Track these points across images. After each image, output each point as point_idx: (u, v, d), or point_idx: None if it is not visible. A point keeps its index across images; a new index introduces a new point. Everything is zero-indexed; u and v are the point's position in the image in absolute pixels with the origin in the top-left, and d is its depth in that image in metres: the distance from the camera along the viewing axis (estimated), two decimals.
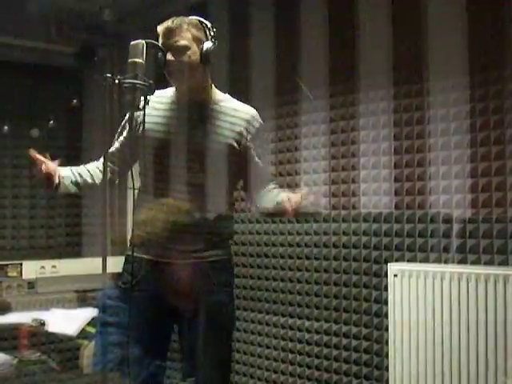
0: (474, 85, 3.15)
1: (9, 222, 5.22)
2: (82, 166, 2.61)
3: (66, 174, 2.50)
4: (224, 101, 2.54)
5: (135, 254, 2.48)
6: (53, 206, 5.42)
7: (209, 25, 2.51)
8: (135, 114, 2.39)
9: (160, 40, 2.43)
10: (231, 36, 4.21)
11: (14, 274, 4.63)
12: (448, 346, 3.06)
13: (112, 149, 2.60)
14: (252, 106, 2.58)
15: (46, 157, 2.45)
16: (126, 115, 2.55)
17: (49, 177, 2.43)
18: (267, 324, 4.13)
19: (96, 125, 4.71)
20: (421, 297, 3.18)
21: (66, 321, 4.11)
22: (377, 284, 3.54)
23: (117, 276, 2.55)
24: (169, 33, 2.42)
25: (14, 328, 4.29)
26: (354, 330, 3.64)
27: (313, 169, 3.88)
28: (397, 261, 3.43)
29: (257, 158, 2.52)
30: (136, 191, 2.53)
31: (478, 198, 3.13)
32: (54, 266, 4.74)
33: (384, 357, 3.47)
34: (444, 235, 3.26)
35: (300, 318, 3.93)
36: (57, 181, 2.44)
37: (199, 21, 2.50)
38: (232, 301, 2.65)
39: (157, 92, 2.39)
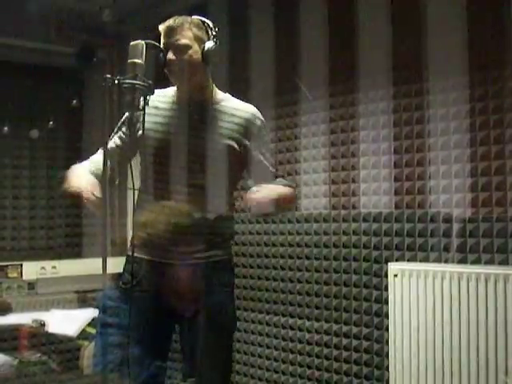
0: (474, 84, 3.15)
1: (9, 222, 5.22)
2: (94, 165, 2.53)
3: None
4: (225, 100, 2.53)
5: (136, 254, 2.48)
6: (53, 207, 5.42)
7: (210, 24, 2.51)
8: (135, 114, 2.39)
9: (161, 39, 2.43)
10: (231, 36, 4.21)
11: (15, 274, 4.63)
12: (448, 346, 3.07)
13: (110, 145, 2.57)
14: (251, 105, 2.58)
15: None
16: (123, 114, 2.54)
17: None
18: (267, 324, 4.13)
19: (96, 125, 4.71)
20: (421, 296, 3.18)
21: (66, 321, 4.11)
22: (377, 284, 3.54)
23: (117, 276, 2.54)
24: (170, 31, 2.41)
25: (15, 329, 4.29)
26: (355, 329, 3.64)
27: (313, 169, 3.88)
28: (397, 260, 3.43)
29: (259, 157, 2.51)
30: (136, 191, 2.52)
31: (477, 197, 3.14)
32: (54, 267, 4.74)
33: (384, 356, 3.47)
34: (444, 235, 3.26)
35: (300, 318, 3.93)
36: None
37: (201, 20, 2.50)
38: (232, 301, 2.64)
39: (157, 91, 2.39)
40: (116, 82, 2.16)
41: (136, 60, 2.21)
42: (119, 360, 2.39)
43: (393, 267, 3.32)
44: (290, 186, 2.53)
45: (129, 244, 2.38)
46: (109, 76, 2.14)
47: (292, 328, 3.98)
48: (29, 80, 5.10)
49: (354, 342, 3.64)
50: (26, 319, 4.14)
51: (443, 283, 3.11)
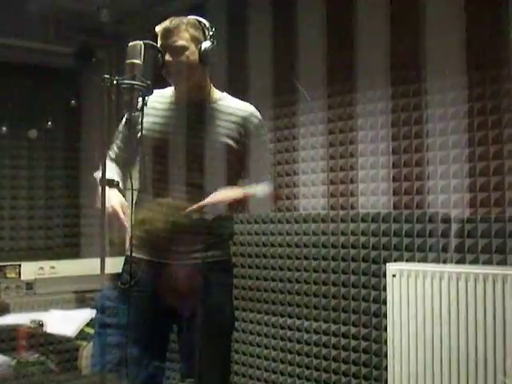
0: (472, 84, 3.15)
1: (7, 222, 5.22)
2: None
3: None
4: (222, 99, 2.54)
5: (134, 254, 2.47)
6: (51, 207, 5.42)
7: (207, 24, 2.51)
8: (133, 115, 2.39)
9: (158, 40, 2.43)
10: (229, 36, 4.21)
11: (13, 275, 4.62)
12: (447, 346, 3.07)
13: (114, 150, 2.59)
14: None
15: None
16: (123, 117, 2.55)
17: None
18: (266, 324, 4.13)
19: (94, 126, 4.71)
20: (419, 297, 3.18)
21: (65, 322, 4.11)
22: (375, 284, 3.54)
23: (116, 277, 2.54)
24: (167, 33, 2.42)
25: (13, 329, 4.29)
26: (353, 330, 3.64)
27: (311, 169, 3.88)
28: (395, 261, 3.43)
29: (254, 157, 2.51)
30: (135, 192, 2.52)
31: (476, 197, 3.14)
32: (52, 267, 4.74)
33: (383, 357, 3.47)
34: (442, 235, 3.27)
35: (299, 319, 3.93)
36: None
37: (197, 20, 2.50)
38: (231, 302, 2.64)
39: (156, 92, 2.39)
40: (114, 82, 2.16)
41: (134, 60, 2.21)
42: (117, 360, 2.39)
43: (391, 267, 3.32)
44: (268, 190, 2.54)
45: (127, 244, 2.37)
46: (107, 76, 2.14)
47: (290, 328, 3.98)
48: (27, 80, 5.10)
49: (353, 343, 3.64)
50: (25, 319, 4.13)
51: (441, 283, 3.11)
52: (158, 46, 2.42)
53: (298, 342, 3.93)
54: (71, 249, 5.46)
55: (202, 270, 2.43)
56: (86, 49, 4.88)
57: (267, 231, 4.14)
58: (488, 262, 3.09)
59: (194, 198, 2.41)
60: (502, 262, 3.05)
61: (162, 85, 2.51)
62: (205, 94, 2.52)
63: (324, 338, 3.78)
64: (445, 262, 3.25)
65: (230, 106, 2.52)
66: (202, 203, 2.32)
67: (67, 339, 4.19)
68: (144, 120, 2.36)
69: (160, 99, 2.52)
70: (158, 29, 2.45)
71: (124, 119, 2.58)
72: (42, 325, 4.06)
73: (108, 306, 2.51)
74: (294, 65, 3.91)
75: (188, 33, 2.43)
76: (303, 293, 3.90)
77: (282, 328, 4.03)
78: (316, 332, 3.83)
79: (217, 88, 2.57)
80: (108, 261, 2.13)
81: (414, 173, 3.38)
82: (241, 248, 4.25)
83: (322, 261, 3.80)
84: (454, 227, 3.22)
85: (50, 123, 5.33)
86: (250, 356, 4.22)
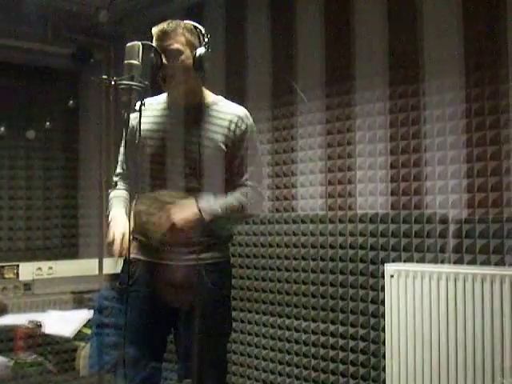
0: (470, 85, 3.16)
1: (5, 223, 5.22)
2: (123, 204, 2.57)
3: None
4: (215, 103, 2.53)
5: (133, 255, 2.48)
6: (49, 208, 5.42)
7: (203, 30, 2.51)
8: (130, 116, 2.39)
9: (154, 42, 2.43)
10: (227, 37, 4.22)
11: (11, 275, 4.62)
12: (445, 347, 3.07)
13: (120, 166, 2.61)
14: (248, 107, 2.57)
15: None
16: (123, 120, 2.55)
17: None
18: (264, 325, 4.13)
19: (92, 126, 4.71)
20: (417, 297, 3.18)
21: (63, 322, 4.10)
22: (373, 284, 3.55)
23: (113, 277, 2.54)
24: (163, 35, 2.41)
25: (11, 330, 4.29)
26: (351, 330, 3.64)
27: (309, 169, 3.88)
28: (393, 261, 3.43)
29: (236, 161, 2.49)
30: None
31: (474, 198, 3.14)
32: (50, 268, 4.74)
33: (381, 357, 3.47)
34: (440, 235, 3.27)
35: (297, 319, 3.93)
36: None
37: (194, 26, 2.50)
38: (228, 303, 2.63)
39: (148, 99, 2.40)
40: (112, 83, 2.16)
41: (132, 61, 2.21)
42: (115, 361, 2.39)
43: (389, 268, 3.32)
44: (246, 194, 2.50)
45: (125, 244, 2.37)
46: (105, 77, 2.15)
47: (288, 329, 3.98)
48: (25, 81, 5.11)
49: (351, 343, 3.64)
50: (22, 320, 4.13)
51: (439, 284, 3.11)
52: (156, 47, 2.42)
53: (296, 342, 3.93)
54: (69, 249, 5.46)
55: (200, 271, 2.43)
56: (84, 50, 4.89)
57: (265, 232, 4.14)
58: (486, 263, 3.09)
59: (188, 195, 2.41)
60: (500, 263, 3.05)
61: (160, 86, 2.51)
62: (198, 99, 2.51)
63: (322, 339, 3.78)
64: (443, 262, 3.25)
65: (222, 110, 2.50)
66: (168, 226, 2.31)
67: (65, 340, 4.18)
68: (136, 127, 2.36)
69: (153, 106, 2.53)
70: (155, 30, 2.44)
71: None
72: (39, 325, 4.05)
73: (105, 306, 2.51)
74: (292, 65, 3.92)
75: (184, 37, 2.44)
76: (301, 293, 3.90)
77: (280, 328, 4.03)
78: (314, 332, 3.83)
79: (212, 91, 2.57)
80: (106, 261, 2.14)
81: (411, 173, 3.38)
82: (239, 248, 4.25)
83: (320, 261, 3.80)
84: (452, 228, 3.22)
85: (48, 124, 5.33)
86: (248, 356, 4.22)
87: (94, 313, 2.61)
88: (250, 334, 4.21)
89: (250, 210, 2.51)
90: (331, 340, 3.74)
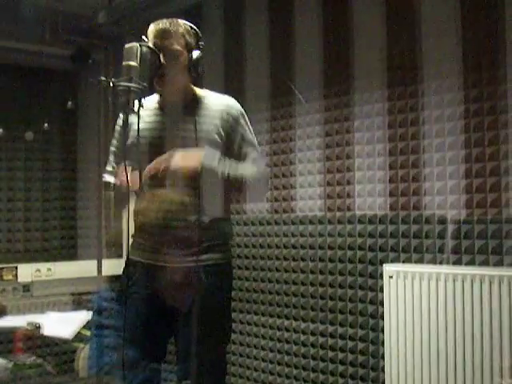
0: (468, 86, 3.16)
1: (4, 224, 5.22)
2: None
3: None
4: (203, 97, 2.53)
5: (134, 257, 2.49)
6: (48, 209, 5.42)
7: (199, 33, 2.51)
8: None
9: (152, 39, 2.40)
10: (225, 38, 4.22)
11: (10, 277, 4.62)
12: (443, 347, 3.07)
13: (112, 165, 2.59)
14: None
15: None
16: (117, 122, 2.55)
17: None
18: (263, 326, 4.13)
19: (91, 127, 4.71)
20: (416, 298, 3.18)
21: (62, 324, 4.10)
22: (372, 285, 3.55)
23: (112, 279, 2.55)
24: (164, 34, 2.40)
25: (10, 331, 4.28)
26: (350, 331, 3.64)
27: (308, 170, 3.88)
28: (392, 262, 3.43)
29: (236, 148, 2.50)
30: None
31: (472, 198, 3.14)
32: (49, 269, 4.73)
33: (380, 358, 3.47)
34: (439, 236, 3.27)
35: (296, 320, 3.93)
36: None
37: (191, 27, 2.50)
38: (229, 305, 2.62)
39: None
40: (111, 84, 2.16)
41: (131, 62, 2.21)
42: (114, 362, 2.39)
43: (388, 269, 3.32)
44: (253, 167, 2.50)
45: (124, 245, 2.37)
46: (104, 78, 2.15)
47: (287, 330, 3.98)
48: (24, 82, 5.11)
49: (350, 344, 3.64)
50: (21, 322, 4.12)
51: (438, 284, 3.11)
52: (151, 44, 2.39)
53: (295, 343, 3.93)
54: (68, 251, 5.46)
55: (200, 273, 2.43)
56: (83, 51, 4.89)
57: (264, 233, 4.14)
58: (484, 263, 3.09)
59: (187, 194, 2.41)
60: (499, 263, 3.05)
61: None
62: (188, 96, 2.51)
63: (321, 340, 3.79)
64: (441, 263, 3.25)
65: (211, 102, 2.51)
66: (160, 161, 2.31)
67: (64, 341, 4.18)
68: (132, 129, 2.36)
69: (145, 107, 2.52)
70: (155, 28, 2.43)
71: (116, 129, 2.58)
72: (38, 327, 4.05)
73: (105, 308, 2.51)
74: (290, 66, 3.91)
75: (184, 38, 2.44)
76: (300, 294, 3.90)
77: (279, 329, 4.03)
78: (313, 333, 3.83)
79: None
80: (105, 263, 2.14)
81: (410, 174, 3.38)
82: (238, 249, 4.25)
83: (319, 262, 3.80)
84: (451, 228, 3.22)
85: (46, 125, 5.33)
86: (247, 357, 4.22)
87: (94, 314, 2.61)
88: (248, 334, 4.21)
89: (254, 188, 2.53)
90: (330, 341, 3.74)
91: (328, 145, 3.78)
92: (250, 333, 4.21)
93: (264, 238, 4.14)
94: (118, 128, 2.60)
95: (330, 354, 3.73)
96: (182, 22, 2.48)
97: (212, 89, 2.59)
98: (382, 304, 3.38)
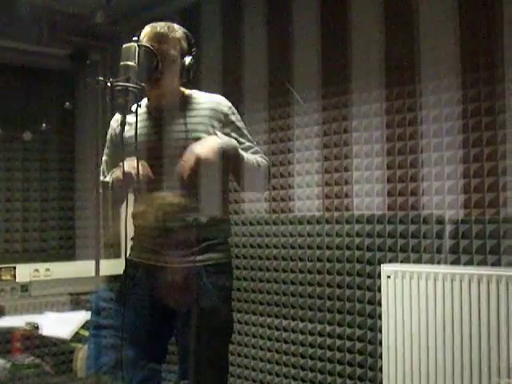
0: (467, 86, 3.16)
1: (2, 225, 5.21)
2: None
3: None
4: (193, 98, 2.53)
5: (133, 258, 2.49)
6: (46, 209, 5.41)
7: (192, 39, 2.51)
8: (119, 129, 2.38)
9: (147, 42, 2.38)
10: (223, 38, 4.22)
11: (8, 277, 4.61)
12: (441, 347, 3.07)
13: (105, 173, 2.58)
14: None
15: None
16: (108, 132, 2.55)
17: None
18: (261, 325, 4.13)
19: (89, 127, 4.71)
20: (414, 298, 3.19)
21: (60, 324, 4.10)
22: (370, 285, 3.55)
23: (111, 279, 2.55)
24: (161, 38, 2.40)
25: (8, 332, 4.28)
26: (348, 331, 3.65)
27: (306, 170, 3.89)
28: (390, 262, 3.44)
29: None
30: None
31: (470, 198, 3.14)
32: (47, 269, 4.73)
33: (378, 357, 3.48)
34: (437, 236, 3.27)
35: (294, 320, 3.93)
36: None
37: (185, 33, 2.50)
38: (229, 305, 2.61)
39: None
40: (109, 84, 2.16)
41: (129, 62, 2.21)
42: (113, 362, 2.39)
43: (386, 268, 3.32)
44: (260, 157, 2.51)
45: (122, 245, 2.37)
46: (101, 78, 2.14)
47: (286, 330, 3.98)
48: (21, 82, 5.10)
49: (348, 343, 3.65)
50: (20, 322, 4.12)
51: (436, 284, 3.11)
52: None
53: (294, 343, 3.93)
54: (66, 251, 5.45)
55: (199, 273, 2.43)
56: (81, 51, 4.89)
57: (262, 233, 4.14)
58: (482, 263, 3.10)
59: (185, 195, 2.40)
60: (496, 263, 3.06)
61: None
62: (178, 97, 2.51)
63: (319, 339, 3.79)
64: (439, 263, 3.25)
65: (200, 101, 2.51)
66: (185, 164, 2.28)
67: (62, 341, 4.17)
68: (124, 135, 2.35)
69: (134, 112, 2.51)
70: (151, 30, 2.42)
71: (109, 132, 2.58)
72: (37, 327, 4.04)
73: (104, 307, 2.51)
74: (288, 66, 3.91)
75: (180, 44, 2.44)
76: (298, 294, 3.91)
77: (278, 329, 4.03)
78: (311, 333, 3.83)
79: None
80: (103, 263, 2.14)
81: (408, 174, 3.39)
82: (236, 249, 4.25)
83: (317, 262, 3.80)
84: (449, 228, 3.22)
85: (44, 125, 5.32)
86: (246, 357, 4.22)
87: (92, 314, 2.61)
88: (247, 334, 4.22)
89: (261, 176, 2.53)
90: (328, 340, 3.74)
91: (326, 145, 3.79)
92: (248, 333, 4.21)
93: (262, 237, 4.14)
94: (109, 137, 2.60)
95: (328, 353, 3.73)
96: (177, 26, 2.48)
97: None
98: (379, 304, 3.39)
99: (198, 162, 2.27)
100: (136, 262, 2.51)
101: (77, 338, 4.02)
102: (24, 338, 4.29)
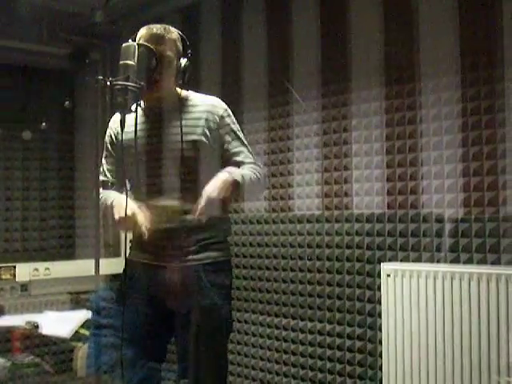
0: (466, 84, 3.16)
1: (1, 224, 5.21)
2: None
3: None
4: (188, 99, 2.53)
5: (133, 258, 2.49)
6: (46, 208, 5.41)
7: (187, 42, 2.52)
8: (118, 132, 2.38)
9: (143, 42, 2.39)
10: (222, 37, 4.22)
11: (8, 276, 4.61)
12: (441, 346, 3.07)
13: (105, 174, 2.57)
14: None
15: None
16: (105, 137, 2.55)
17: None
18: (261, 324, 4.13)
19: (88, 126, 4.71)
20: (414, 296, 3.19)
21: (60, 323, 4.10)
22: (370, 284, 3.55)
23: (111, 278, 2.55)
24: (159, 39, 2.40)
25: (8, 331, 4.29)
26: (348, 329, 3.65)
27: (305, 169, 3.89)
28: (390, 260, 3.44)
29: (226, 145, 2.50)
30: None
31: (470, 197, 3.14)
32: (47, 269, 4.73)
33: (378, 356, 3.48)
34: (436, 235, 3.27)
35: (294, 319, 3.93)
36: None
37: (181, 36, 2.51)
38: (228, 303, 2.60)
39: None
40: (108, 83, 2.16)
41: (128, 61, 2.21)
42: (113, 361, 2.39)
43: (386, 267, 3.32)
44: (254, 169, 2.50)
45: (122, 245, 2.37)
46: (101, 77, 2.15)
47: (285, 328, 3.98)
48: (21, 81, 5.10)
49: (348, 342, 3.65)
50: (20, 321, 4.12)
51: (436, 283, 3.11)
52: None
53: (293, 341, 3.93)
54: (66, 250, 5.46)
55: (198, 272, 2.43)
56: (80, 50, 4.89)
57: (262, 231, 4.14)
58: (482, 262, 3.10)
59: (184, 201, 2.40)
60: (496, 262, 3.06)
61: None
62: (173, 99, 2.51)
63: (319, 338, 3.79)
64: (439, 261, 3.25)
65: (195, 103, 2.52)
66: (200, 207, 2.30)
67: (62, 340, 4.18)
68: (119, 138, 2.35)
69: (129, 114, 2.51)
70: (148, 32, 2.42)
71: (107, 134, 2.58)
72: (36, 326, 4.05)
73: (103, 306, 2.51)
74: (288, 65, 3.92)
75: (175, 45, 2.45)
76: (298, 293, 3.91)
77: (277, 328, 4.03)
78: (311, 332, 3.83)
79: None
80: (103, 262, 2.14)
81: (408, 173, 3.39)
82: (235, 248, 4.25)
83: (317, 261, 3.80)
84: (448, 227, 3.22)
85: (44, 124, 5.32)
86: (245, 356, 4.22)
87: (92, 314, 2.61)
88: (246, 333, 4.22)
89: (260, 184, 2.55)
90: (328, 339, 3.74)
91: (326, 143, 3.78)
92: (248, 331, 4.21)
93: (262, 236, 4.14)
94: (107, 138, 2.60)
95: (328, 352, 3.73)
96: (173, 29, 2.49)
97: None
98: (379, 302, 3.39)
99: (213, 203, 2.29)
100: (135, 261, 2.51)
101: (77, 337, 4.03)
102: (24, 337, 4.29)
